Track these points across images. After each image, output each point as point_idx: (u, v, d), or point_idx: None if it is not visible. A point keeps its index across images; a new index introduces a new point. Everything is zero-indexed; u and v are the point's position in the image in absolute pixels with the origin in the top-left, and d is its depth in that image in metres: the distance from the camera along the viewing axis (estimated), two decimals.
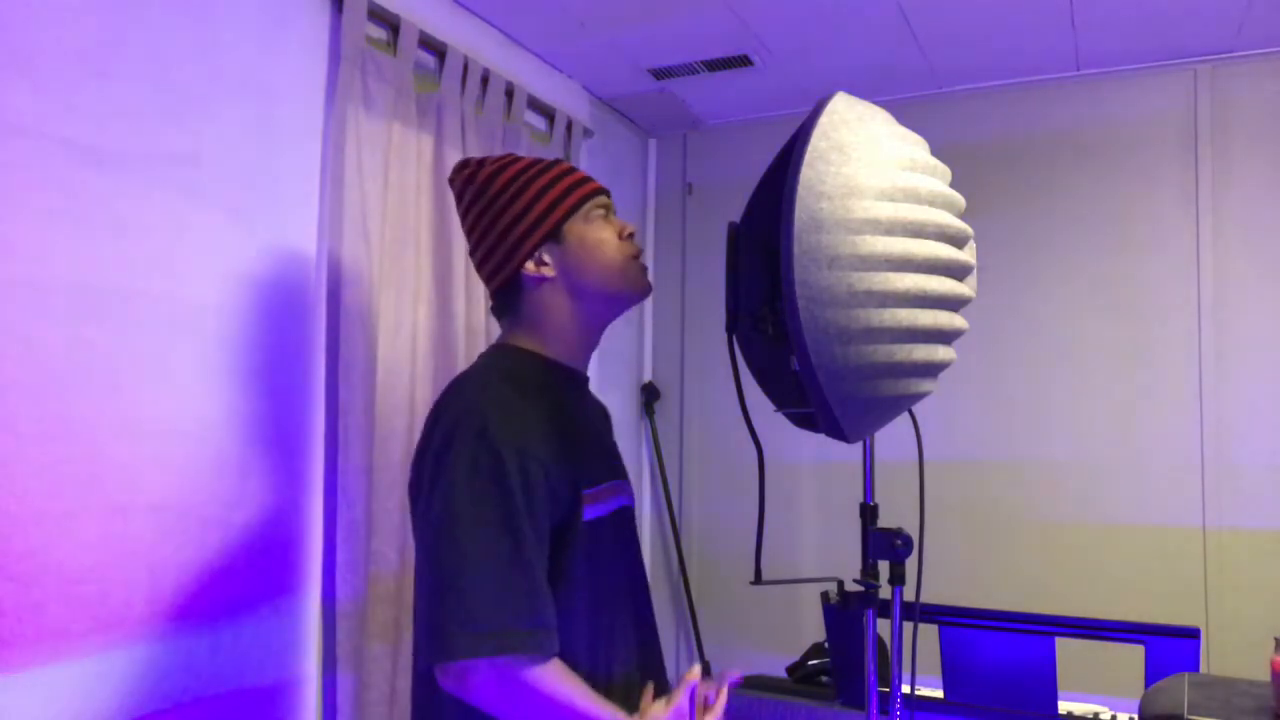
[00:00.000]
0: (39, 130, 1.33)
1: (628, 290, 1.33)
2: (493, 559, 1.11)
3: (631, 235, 1.34)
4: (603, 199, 1.34)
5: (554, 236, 1.28)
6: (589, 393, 1.42)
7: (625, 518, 1.36)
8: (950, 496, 2.64)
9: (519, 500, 1.13)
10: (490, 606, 1.09)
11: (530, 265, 1.28)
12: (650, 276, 1.37)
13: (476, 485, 1.12)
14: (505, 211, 1.29)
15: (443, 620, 1.09)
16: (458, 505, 1.12)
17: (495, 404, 1.18)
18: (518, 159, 1.33)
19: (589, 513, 1.23)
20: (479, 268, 1.35)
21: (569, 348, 1.33)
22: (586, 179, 1.34)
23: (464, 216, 1.35)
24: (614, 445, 1.44)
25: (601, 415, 1.47)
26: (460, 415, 1.17)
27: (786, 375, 1.29)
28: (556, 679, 1.12)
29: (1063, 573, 2.56)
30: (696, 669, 1.26)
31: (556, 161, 1.35)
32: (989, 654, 1.65)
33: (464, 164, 1.36)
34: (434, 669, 1.12)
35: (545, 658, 1.12)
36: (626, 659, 1.29)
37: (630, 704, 1.23)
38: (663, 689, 1.34)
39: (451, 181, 1.37)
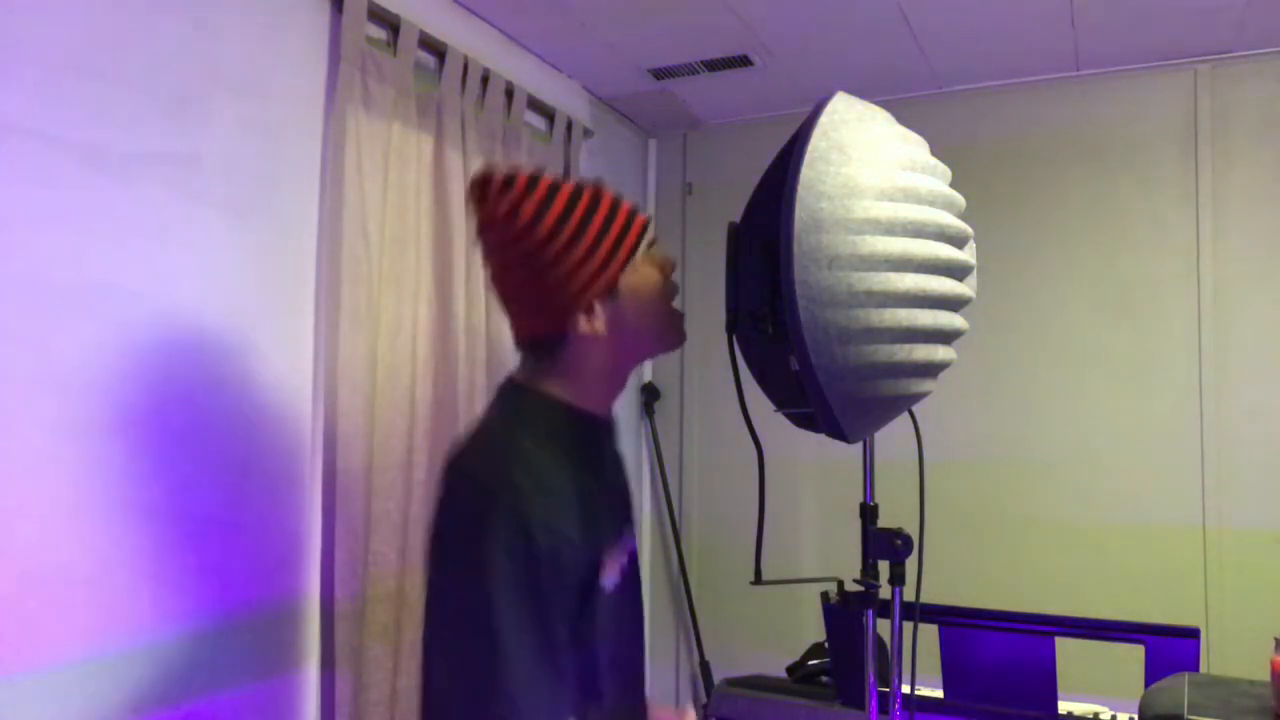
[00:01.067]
0: (39, 130, 1.33)
1: (669, 347, 1.25)
2: (528, 660, 1.03)
3: (672, 270, 1.24)
4: (651, 232, 1.21)
5: (610, 290, 1.15)
6: (614, 437, 1.31)
7: (629, 582, 1.29)
8: (950, 496, 2.64)
9: (550, 593, 1.06)
10: (525, 713, 1.03)
11: (583, 322, 1.14)
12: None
13: (511, 573, 1.03)
14: (558, 263, 1.13)
15: (470, 711, 1.03)
16: (493, 596, 1.03)
17: (528, 474, 1.08)
18: (555, 188, 1.15)
19: (608, 581, 1.17)
20: (508, 307, 1.21)
21: (600, 398, 1.21)
22: (633, 214, 1.19)
23: (494, 252, 1.18)
24: (628, 490, 1.35)
25: (620, 459, 1.37)
26: (492, 485, 1.07)
27: (786, 375, 1.29)
28: None
29: (1063, 573, 2.56)
30: (690, 715, 1.25)
31: (598, 191, 1.18)
32: (989, 654, 1.65)
33: (485, 184, 1.16)
34: None
35: None
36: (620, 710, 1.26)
37: None
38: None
39: (476, 203, 1.19)
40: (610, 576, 1.18)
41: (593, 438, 1.22)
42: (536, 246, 1.13)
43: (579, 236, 1.13)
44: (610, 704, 1.25)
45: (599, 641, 1.16)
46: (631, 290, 1.16)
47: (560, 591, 1.08)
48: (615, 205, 1.18)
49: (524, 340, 1.21)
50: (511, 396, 1.20)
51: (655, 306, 1.20)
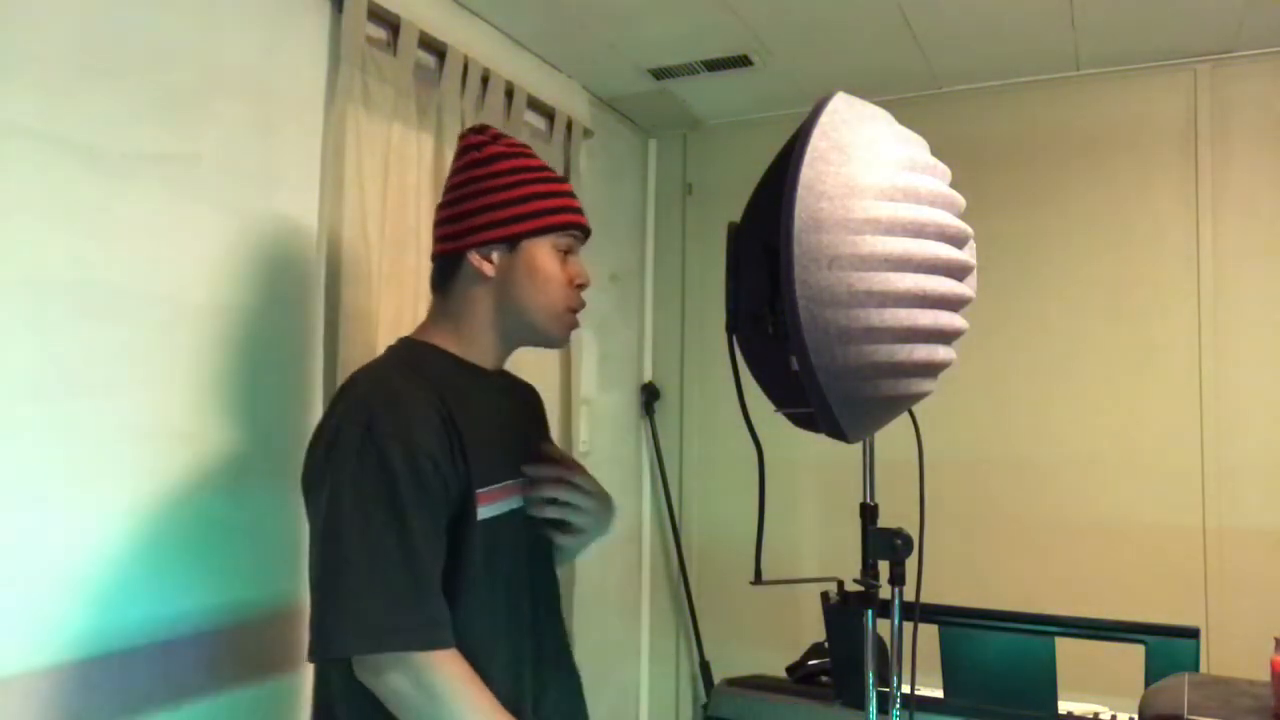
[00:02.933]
0: (39, 130, 1.33)
1: (546, 332, 1.34)
2: (378, 556, 1.10)
3: (582, 287, 1.34)
4: (575, 234, 1.34)
5: (511, 242, 1.29)
6: (503, 386, 1.40)
7: (521, 519, 1.33)
8: (950, 496, 2.64)
9: (406, 495, 1.12)
10: (375, 602, 1.09)
11: (475, 256, 1.29)
12: (573, 331, 1.37)
13: (361, 482, 1.12)
14: (487, 194, 1.29)
15: (324, 617, 1.09)
16: (342, 503, 1.11)
17: (384, 400, 1.17)
18: (530, 157, 1.33)
19: (483, 512, 1.22)
20: (435, 225, 1.35)
21: (481, 350, 1.32)
22: (574, 209, 1.34)
23: (452, 173, 1.35)
24: (536, 436, 1.43)
25: (522, 407, 1.46)
26: (348, 410, 1.17)
27: (786, 375, 1.29)
28: (459, 674, 1.12)
29: (1063, 573, 2.56)
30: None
31: (560, 179, 1.35)
32: (989, 654, 1.65)
33: (482, 128, 1.36)
34: (353, 664, 1.12)
35: (446, 652, 1.12)
36: (520, 661, 1.27)
37: (518, 708, 1.22)
38: (571, 692, 1.36)
39: (462, 136, 1.38)
40: (489, 509, 1.23)
41: (473, 384, 1.30)
42: (481, 175, 1.30)
43: (515, 186, 1.29)
44: (524, 669, 1.28)
45: (480, 573, 1.21)
46: (530, 258, 1.29)
47: (421, 497, 1.14)
48: (562, 191, 1.33)
49: (434, 261, 1.34)
50: (394, 345, 1.33)
51: (549, 289, 1.30)
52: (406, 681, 1.10)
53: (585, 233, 1.36)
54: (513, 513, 1.30)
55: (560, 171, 2.61)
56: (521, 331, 1.34)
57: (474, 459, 1.22)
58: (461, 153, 1.35)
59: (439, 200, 1.37)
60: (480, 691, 1.13)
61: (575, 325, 1.36)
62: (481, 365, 1.33)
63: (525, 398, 1.50)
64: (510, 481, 1.30)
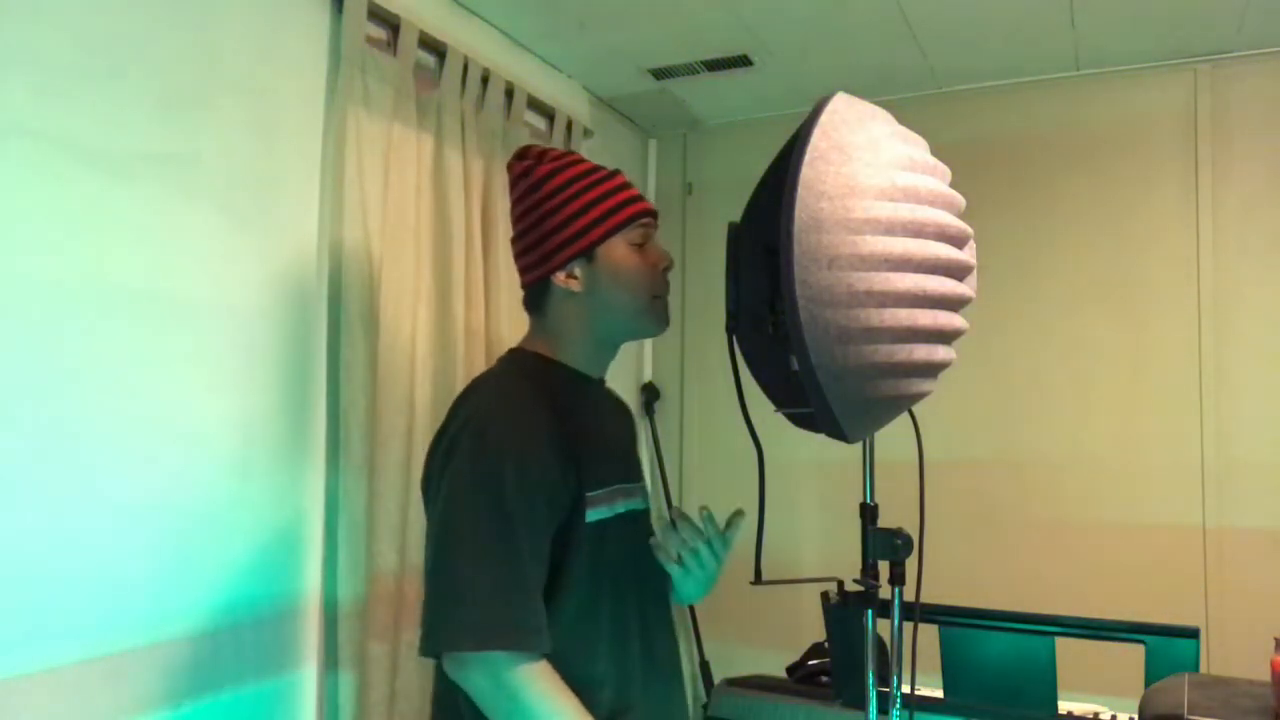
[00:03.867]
0: (39, 130, 1.33)
1: (644, 327, 1.37)
2: (484, 559, 1.13)
3: (668, 269, 1.35)
4: (647, 221, 1.34)
5: (588, 254, 1.30)
6: (605, 395, 1.44)
7: (631, 520, 1.36)
8: (950, 496, 2.63)
9: (514, 502, 1.15)
10: (478, 602, 1.12)
11: (560, 276, 1.30)
12: (670, 312, 1.39)
13: (474, 487, 1.16)
14: (550, 216, 1.29)
15: (432, 613, 1.14)
16: (456, 507, 1.16)
17: (501, 408, 1.22)
18: (578, 161, 1.34)
19: (592, 515, 1.24)
20: (516, 260, 1.37)
21: (583, 357, 1.35)
22: (637, 198, 1.34)
23: (514, 206, 1.36)
24: (632, 448, 1.47)
25: (620, 418, 1.49)
26: (467, 418, 1.21)
27: (786, 375, 1.29)
28: (540, 679, 1.13)
29: (1063, 573, 2.55)
30: None
31: (615, 172, 1.35)
32: (989, 654, 1.65)
33: (524, 152, 1.36)
34: (441, 660, 1.16)
35: (532, 656, 1.13)
36: (626, 664, 1.28)
37: (621, 708, 1.23)
38: (675, 697, 1.36)
39: (510, 167, 1.38)
40: (597, 512, 1.26)
41: (577, 390, 1.34)
42: (542, 198, 1.30)
43: (575, 197, 1.29)
44: (634, 670, 1.30)
45: (587, 575, 1.24)
46: (609, 261, 1.30)
47: (529, 506, 1.17)
48: (619, 185, 1.33)
49: (525, 291, 1.37)
50: (506, 357, 1.37)
51: (633, 285, 1.32)
52: (488, 681, 1.12)
53: (654, 216, 1.37)
54: (620, 516, 1.32)
55: None
56: (618, 332, 1.37)
57: (585, 462, 1.25)
58: (514, 184, 1.35)
59: (512, 226, 1.38)
60: (564, 697, 1.14)
61: (667, 309, 1.38)
62: (588, 373, 1.36)
63: (624, 410, 1.53)
64: (619, 485, 1.33)
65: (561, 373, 1.33)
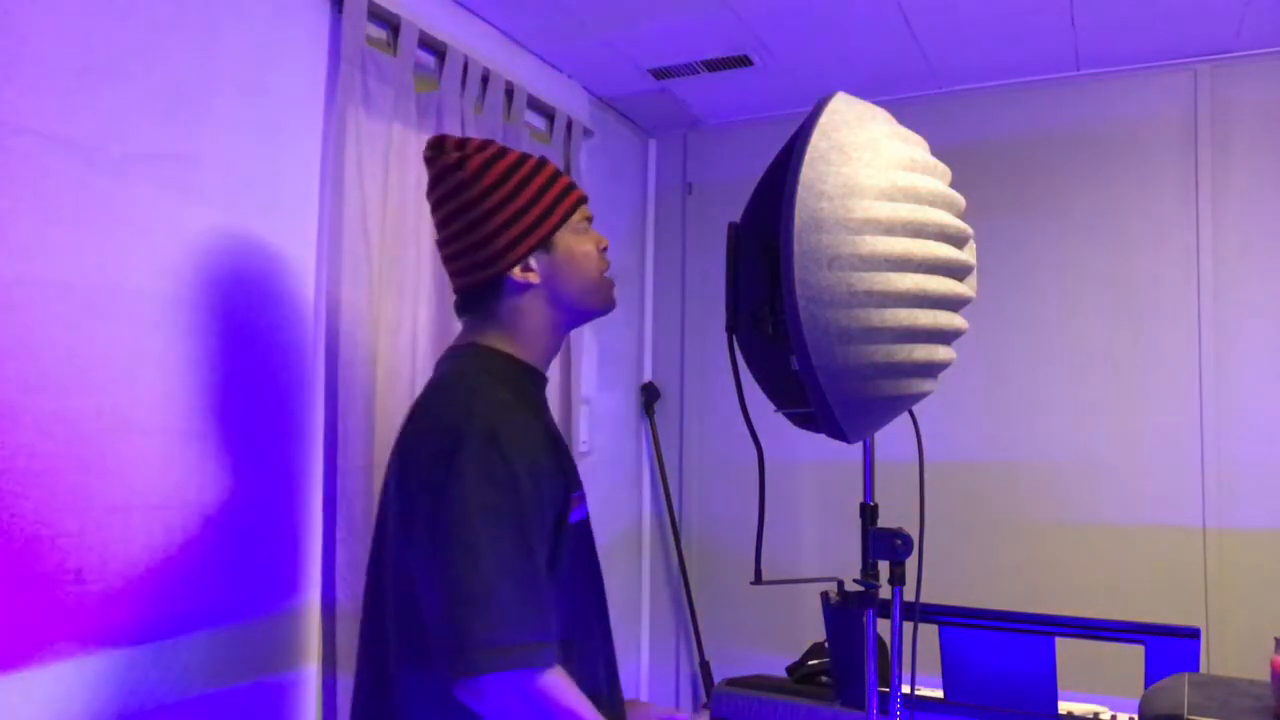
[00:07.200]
0: (39, 130, 1.33)
1: (600, 306, 1.35)
2: (512, 573, 1.09)
3: (605, 249, 1.35)
4: (587, 208, 1.34)
5: (544, 244, 1.27)
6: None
7: (587, 521, 1.35)
8: (950, 496, 2.64)
9: (532, 510, 1.13)
10: (512, 621, 1.08)
11: (517, 271, 1.25)
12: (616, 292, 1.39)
13: (491, 494, 1.10)
14: (498, 211, 1.24)
15: (465, 635, 1.07)
16: (473, 514, 1.09)
17: (497, 409, 1.17)
18: (504, 151, 1.28)
19: (574, 515, 1.24)
20: (451, 261, 1.30)
21: (539, 352, 1.32)
22: (574, 184, 1.33)
23: (440, 204, 1.28)
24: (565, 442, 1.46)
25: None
26: (463, 419, 1.14)
27: (786, 375, 1.29)
28: (563, 688, 1.12)
29: (1063, 573, 2.56)
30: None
31: (543, 160, 1.31)
32: (989, 654, 1.65)
33: (440, 142, 1.29)
34: (453, 683, 1.09)
35: (551, 666, 1.12)
36: (597, 667, 1.29)
37: (614, 710, 1.25)
38: (618, 706, 1.35)
39: (429, 161, 1.29)
40: (578, 513, 1.25)
41: (536, 387, 1.31)
42: (480, 194, 1.24)
43: (520, 189, 1.25)
44: (601, 674, 1.29)
45: (567, 577, 1.22)
46: (566, 248, 1.28)
47: (539, 511, 1.15)
48: (556, 174, 1.30)
49: (464, 293, 1.31)
50: (462, 355, 1.30)
51: (588, 267, 1.30)
52: (515, 698, 1.09)
53: (587, 200, 1.36)
54: (586, 519, 1.32)
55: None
56: (573, 318, 1.35)
57: (567, 464, 1.25)
58: (439, 179, 1.28)
59: (435, 222, 1.32)
60: (586, 704, 1.14)
61: (613, 287, 1.36)
62: (541, 369, 1.33)
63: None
64: (581, 490, 1.31)
65: (521, 368, 1.29)
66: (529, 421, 1.21)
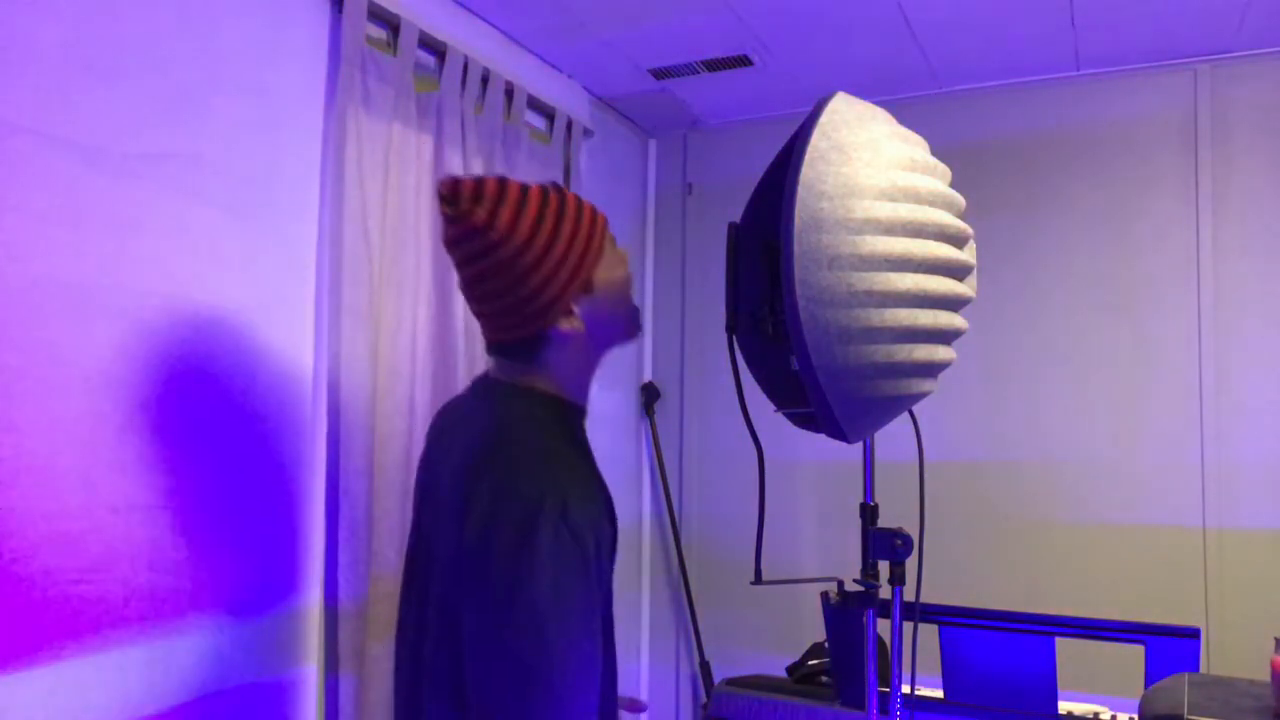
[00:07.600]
0: (39, 130, 1.33)
1: (630, 338, 1.30)
2: (583, 669, 1.07)
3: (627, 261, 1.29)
4: (608, 227, 1.26)
5: (587, 287, 1.20)
6: None
7: None
8: (950, 496, 2.64)
9: (596, 594, 1.10)
10: (573, 715, 1.05)
11: (562, 322, 1.19)
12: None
13: (565, 582, 1.06)
14: (537, 268, 1.16)
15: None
16: (551, 604, 1.05)
17: (569, 476, 1.13)
18: (525, 196, 1.17)
19: (614, 561, 1.21)
20: (487, 319, 1.23)
21: (581, 389, 1.27)
22: (595, 210, 1.25)
23: (469, 261, 1.18)
24: None
25: None
26: (543, 490, 1.09)
27: (786, 375, 1.29)
28: None
29: (1063, 573, 2.55)
30: None
31: (561, 193, 1.22)
32: (989, 654, 1.65)
33: (454, 194, 1.16)
34: None
35: None
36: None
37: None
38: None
39: (448, 217, 1.17)
40: (616, 557, 1.21)
41: (581, 425, 1.27)
42: (515, 253, 1.16)
43: (555, 240, 1.17)
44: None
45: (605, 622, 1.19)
46: (604, 284, 1.22)
47: (602, 586, 1.12)
48: (579, 205, 1.23)
49: (502, 344, 1.24)
50: (510, 397, 1.23)
51: (623, 297, 1.26)
52: None
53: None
54: None
55: (560, 172, 2.61)
56: (609, 349, 1.29)
57: (611, 509, 1.19)
58: (466, 237, 1.16)
59: (462, 278, 1.23)
60: None
61: (639, 314, 1.32)
62: (584, 405, 1.28)
63: None
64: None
65: (569, 410, 1.24)
66: (595, 490, 1.15)
